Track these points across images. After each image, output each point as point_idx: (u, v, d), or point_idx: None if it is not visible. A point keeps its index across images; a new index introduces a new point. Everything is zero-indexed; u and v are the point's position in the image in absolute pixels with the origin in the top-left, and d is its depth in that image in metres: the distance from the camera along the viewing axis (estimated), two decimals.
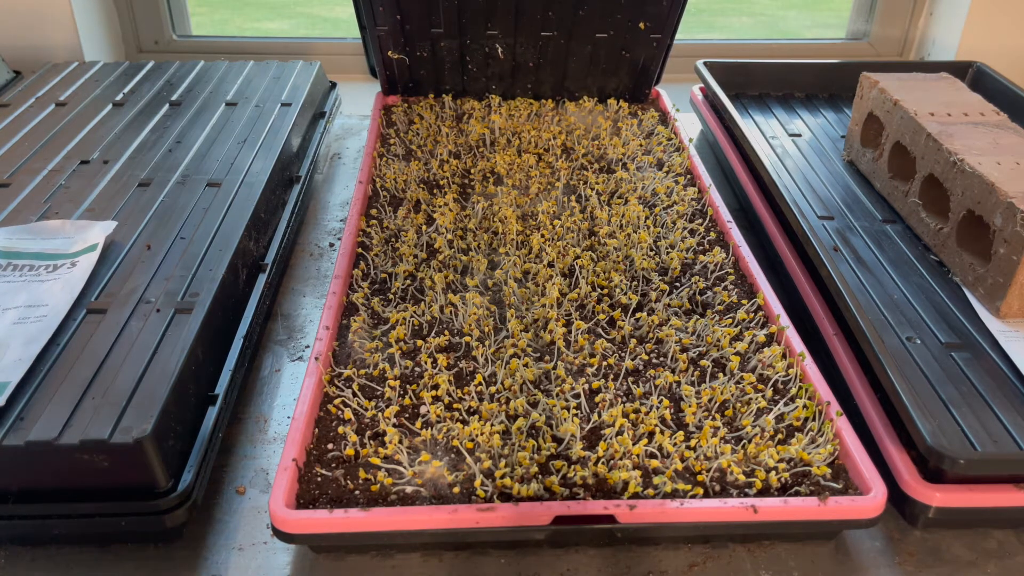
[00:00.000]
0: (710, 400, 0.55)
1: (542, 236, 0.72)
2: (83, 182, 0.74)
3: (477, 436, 0.52)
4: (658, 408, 0.54)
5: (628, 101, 0.99)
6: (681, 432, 0.53)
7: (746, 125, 0.88)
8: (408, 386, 0.56)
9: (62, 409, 0.48)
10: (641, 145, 0.89)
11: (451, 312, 0.63)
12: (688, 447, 0.52)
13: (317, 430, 0.53)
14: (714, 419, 0.54)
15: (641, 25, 0.89)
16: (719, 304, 0.65)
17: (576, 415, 0.54)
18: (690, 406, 0.55)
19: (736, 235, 0.72)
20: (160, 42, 1.22)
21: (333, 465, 0.51)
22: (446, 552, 0.50)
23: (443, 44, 0.91)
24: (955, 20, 1.15)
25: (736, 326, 0.62)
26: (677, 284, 0.68)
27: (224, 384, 0.57)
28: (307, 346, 0.67)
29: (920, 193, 0.75)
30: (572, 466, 0.50)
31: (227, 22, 1.93)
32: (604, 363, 0.59)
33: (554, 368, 0.58)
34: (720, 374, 0.58)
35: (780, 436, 0.53)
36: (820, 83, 1.04)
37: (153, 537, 0.50)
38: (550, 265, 0.69)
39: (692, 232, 0.74)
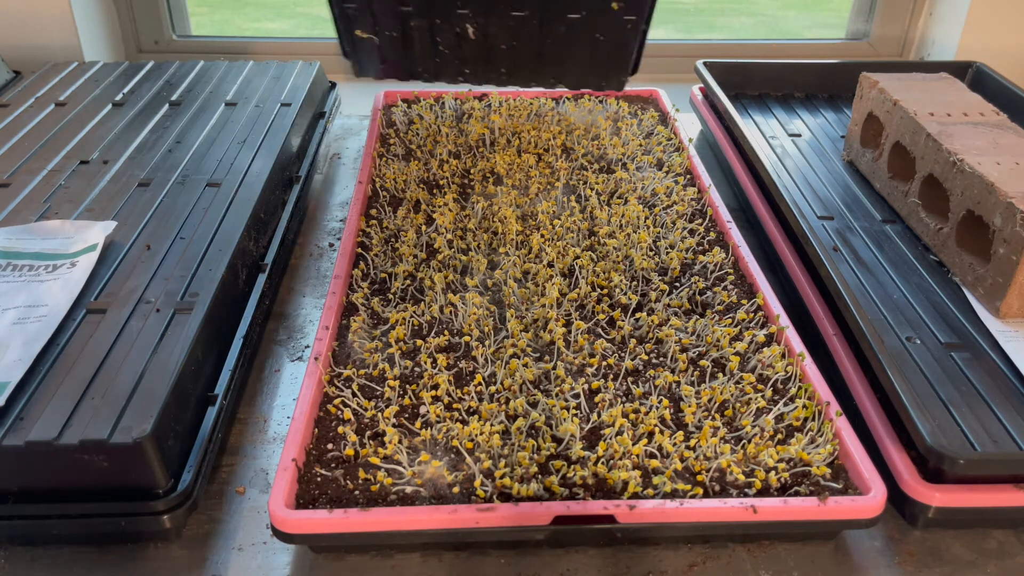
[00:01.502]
0: (710, 400, 0.55)
1: (542, 236, 0.72)
2: (83, 182, 0.74)
3: (477, 436, 0.52)
4: (658, 408, 0.54)
5: (604, 88, 0.92)
6: (681, 432, 0.53)
7: (746, 125, 0.88)
8: (408, 386, 0.56)
9: (62, 409, 0.48)
10: (641, 145, 0.89)
11: (451, 312, 0.63)
12: (688, 447, 0.52)
13: (317, 430, 0.53)
14: (714, 419, 0.54)
15: (614, 6, 0.86)
16: (719, 304, 0.65)
17: (576, 415, 0.54)
18: (690, 406, 0.55)
19: (736, 235, 0.72)
20: (160, 42, 1.22)
21: (333, 465, 0.51)
22: (446, 552, 0.50)
23: (413, 23, 0.88)
24: (955, 20, 1.15)
25: (736, 326, 0.62)
26: (677, 284, 0.68)
27: (224, 384, 0.57)
28: (307, 346, 0.67)
29: (920, 193, 0.75)
30: (572, 466, 0.50)
31: (227, 22, 1.93)
32: (604, 363, 0.59)
33: (554, 368, 0.58)
34: (720, 374, 0.58)
35: (780, 436, 0.53)
36: (820, 83, 1.04)
37: (153, 537, 0.50)
38: (550, 265, 0.69)
39: (692, 232, 0.74)
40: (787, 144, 0.91)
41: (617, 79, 0.92)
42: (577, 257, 0.69)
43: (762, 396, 0.56)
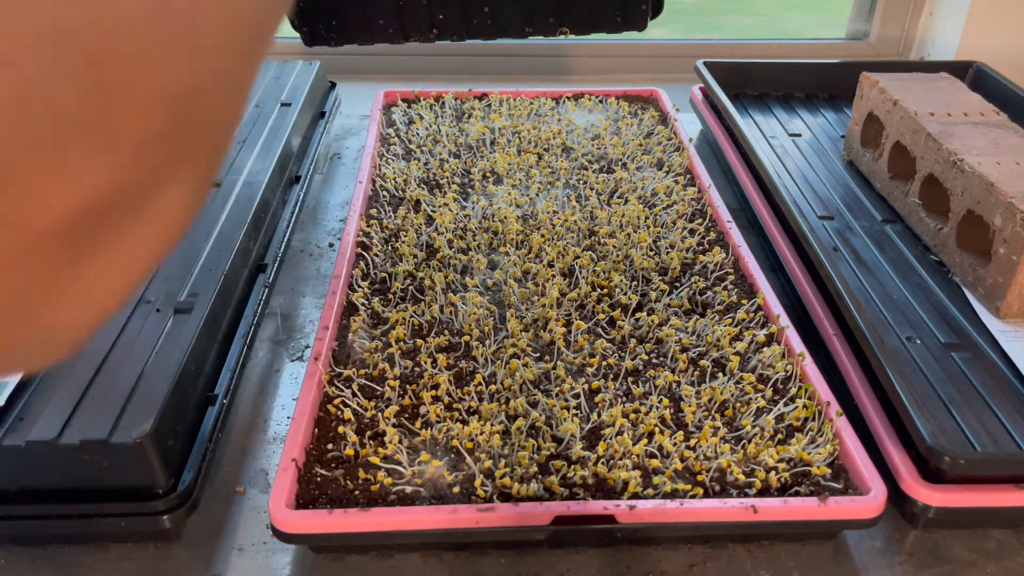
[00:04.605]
0: (710, 400, 0.55)
1: (542, 236, 0.72)
2: None
3: (477, 436, 0.52)
4: (658, 408, 0.54)
5: (622, 25, 0.66)
6: (681, 432, 0.53)
7: (746, 125, 0.88)
8: (408, 386, 0.56)
9: (62, 409, 0.48)
10: (641, 145, 0.89)
11: (451, 312, 0.63)
12: (688, 447, 0.52)
13: (317, 430, 0.53)
14: (714, 419, 0.54)
15: None
16: (719, 304, 0.65)
17: (576, 415, 0.54)
18: (690, 406, 0.55)
19: (736, 235, 0.72)
20: None
21: (333, 465, 0.51)
22: (446, 552, 0.50)
23: None
24: (955, 20, 1.15)
25: (736, 326, 0.62)
26: (677, 284, 0.68)
27: (224, 384, 0.57)
28: (307, 346, 0.67)
29: (920, 193, 0.75)
30: (572, 466, 0.50)
31: None
32: (604, 363, 0.59)
33: (554, 368, 0.58)
34: (720, 374, 0.58)
35: (780, 436, 0.53)
36: (820, 83, 1.04)
37: (153, 537, 0.50)
38: (550, 265, 0.69)
39: (692, 232, 0.74)
40: (787, 144, 0.91)
41: (639, 11, 0.67)
42: (577, 257, 0.69)
43: (762, 396, 0.56)
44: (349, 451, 0.51)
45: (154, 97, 0.15)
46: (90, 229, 0.16)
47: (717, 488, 0.49)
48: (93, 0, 0.14)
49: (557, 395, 0.56)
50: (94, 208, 0.15)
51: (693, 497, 0.48)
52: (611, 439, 0.52)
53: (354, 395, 0.56)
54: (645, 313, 0.63)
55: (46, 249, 0.15)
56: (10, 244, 0.14)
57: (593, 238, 0.73)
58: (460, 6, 0.65)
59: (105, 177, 0.15)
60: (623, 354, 0.60)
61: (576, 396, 0.56)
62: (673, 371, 0.58)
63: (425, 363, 0.58)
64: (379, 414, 0.54)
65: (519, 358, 0.59)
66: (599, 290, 0.66)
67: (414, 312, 0.63)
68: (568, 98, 0.99)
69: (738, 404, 0.55)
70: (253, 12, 0.18)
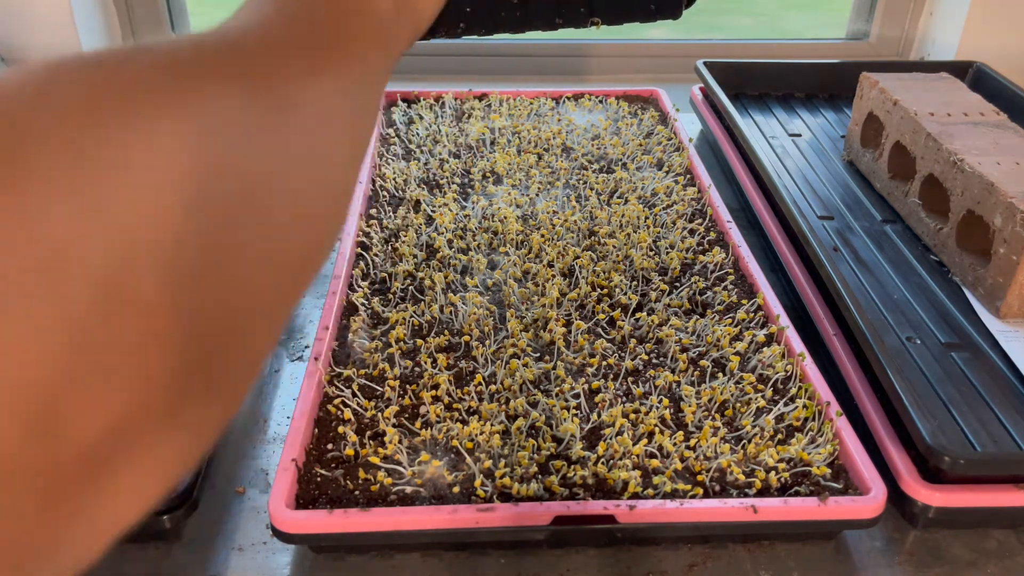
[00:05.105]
0: (710, 400, 0.55)
1: (542, 236, 0.72)
2: None
3: (477, 436, 0.52)
4: (658, 408, 0.54)
5: (656, 15, 0.58)
6: (681, 432, 0.53)
7: (746, 125, 0.88)
8: (408, 386, 0.56)
9: None
10: (641, 145, 0.89)
11: (451, 312, 0.63)
12: (688, 447, 0.52)
13: (317, 430, 0.53)
14: (714, 419, 0.54)
15: None
16: (719, 304, 0.65)
17: (576, 415, 0.54)
18: (690, 406, 0.55)
19: (736, 235, 0.72)
20: None
21: (333, 465, 0.51)
22: (446, 552, 0.50)
23: None
24: (955, 20, 1.15)
25: (736, 326, 0.62)
26: (677, 284, 0.68)
27: None
28: (307, 346, 0.67)
29: (920, 193, 0.75)
30: (572, 466, 0.50)
31: None
32: (604, 363, 0.59)
33: (554, 368, 0.58)
34: (720, 374, 0.58)
35: (780, 436, 0.53)
36: (820, 83, 1.04)
37: (153, 537, 0.50)
38: (550, 265, 0.69)
39: (692, 232, 0.74)
40: (787, 144, 0.91)
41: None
42: (577, 257, 0.69)
43: (762, 396, 0.56)
44: (349, 451, 0.51)
45: (189, 336, 0.17)
46: (110, 455, 0.16)
47: (717, 488, 0.49)
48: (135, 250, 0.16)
49: (557, 395, 0.56)
50: (118, 433, 0.16)
51: (693, 497, 0.48)
52: (611, 439, 0.52)
53: (354, 395, 0.56)
54: (645, 313, 0.63)
55: (66, 476, 0.15)
56: (42, 464, 0.15)
57: (593, 238, 0.73)
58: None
59: (134, 402, 0.16)
60: (623, 354, 0.60)
61: (576, 396, 0.56)
62: (673, 371, 0.58)
63: (425, 363, 0.58)
64: (379, 414, 0.54)
65: (519, 358, 0.59)
66: (599, 290, 0.66)
67: (414, 312, 0.63)
68: (568, 98, 0.99)
69: (738, 404, 0.55)
70: (296, 260, 0.20)
